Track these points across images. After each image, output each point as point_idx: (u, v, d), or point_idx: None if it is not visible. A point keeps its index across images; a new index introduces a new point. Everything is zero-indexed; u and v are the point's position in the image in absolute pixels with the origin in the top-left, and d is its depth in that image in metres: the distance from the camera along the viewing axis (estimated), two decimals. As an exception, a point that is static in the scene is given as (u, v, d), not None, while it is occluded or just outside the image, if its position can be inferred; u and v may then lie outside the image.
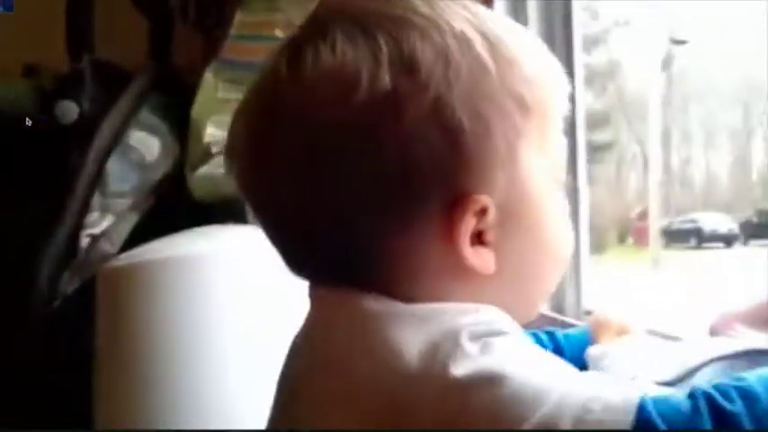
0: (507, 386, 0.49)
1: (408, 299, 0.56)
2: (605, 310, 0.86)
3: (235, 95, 1.55)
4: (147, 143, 1.60)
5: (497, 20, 0.59)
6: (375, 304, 0.55)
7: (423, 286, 0.56)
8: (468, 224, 0.55)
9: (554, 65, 0.61)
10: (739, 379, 0.49)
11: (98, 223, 1.54)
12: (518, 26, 0.62)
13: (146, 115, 1.62)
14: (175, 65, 1.78)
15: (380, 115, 0.53)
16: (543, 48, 0.61)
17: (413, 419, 0.50)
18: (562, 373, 0.51)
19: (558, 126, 0.60)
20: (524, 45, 0.59)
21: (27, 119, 1.62)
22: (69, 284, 1.52)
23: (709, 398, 0.47)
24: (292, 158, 0.56)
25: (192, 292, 1.18)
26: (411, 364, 0.51)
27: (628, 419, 0.47)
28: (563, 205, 0.62)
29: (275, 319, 1.20)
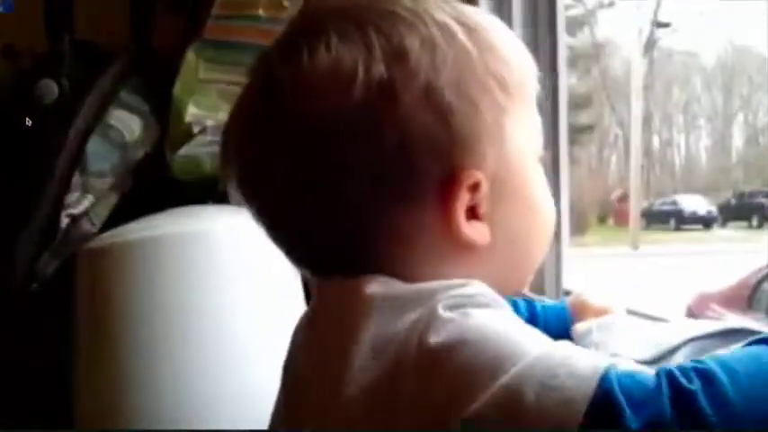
0: (477, 350, 0.51)
1: (407, 275, 0.59)
2: (585, 289, 0.88)
3: (216, 75, 1.55)
4: (128, 123, 1.59)
5: (472, 11, 0.64)
6: (372, 288, 0.58)
7: (421, 261, 0.60)
8: (463, 199, 0.59)
9: (525, 50, 0.66)
10: (701, 362, 0.51)
11: (78, 203, 1.53)
12: (489, 16, 0.67)
13: (126, 95, 1.61)
14: (157, 45, 1.77)
15: (377, 103, 0.58)
16: (513, 34, 0.66)
17: (402, 390, 0.53)
18: (535, 341, 0.53)
19: (534, 104, 0.65)
20: (498, 32, 0.64)
21: (27, 119, 1.60)
22: (49, 265, 1.52)
23: (670, 375, 0.49)
24: (294, 152, 0.60)
25: (172, 271, 1.18)
26: (399, 339, 0.54)
27: (590, 387, 0.48)
28: (543, 178, 0.66)
29: (257, 298, 1.21)
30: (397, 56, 0.59)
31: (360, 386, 0.55)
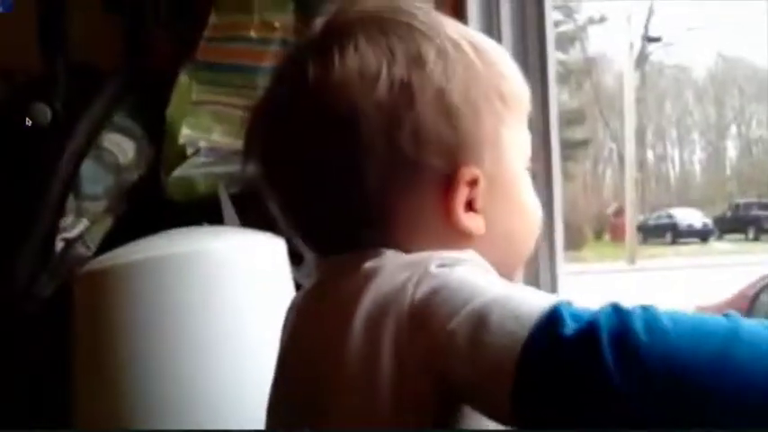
0: (457, 289, 0.60)
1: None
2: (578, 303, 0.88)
3: (209, 97, 1.55)
4: (122, 145, 1.59)
5: (475, 32, 0.74)
6: (374, 262, 0.65)
7: (421, 247, 0.66)
8: (463, 192, 0.68)
9: (518, 72, 0.74)
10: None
11: (73, 227, 1.53)
12: (489, 39, 0.76)
13: (120, 118, 1.61)
14: (149, 67, 1.77)
15: (397, 101, 0.66)
16: (509, 56, 0.75)
17: (401, 344, 0.60)
18: (507, 285, 0.62)
19: (525, 120, 0.74)
20: (499, 52, 0.74)
21: (27, 118, 1.60)
22: (45, 289, 1.51)
23: (614, 303, 0.56)
24: (318, 140, 0.68)
25: (168, 293, 1.17)
26: (394, 293, 0.62)
27: (541, 308, 0.56)
28: (531, 184, 0.75)
29: (255, 317, 1.20)
30: (416, 61, 0.67)
31: (361, 342, 0.62)
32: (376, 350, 0.61)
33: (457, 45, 0.69)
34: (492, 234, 0.69)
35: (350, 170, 0.67)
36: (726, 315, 0.58)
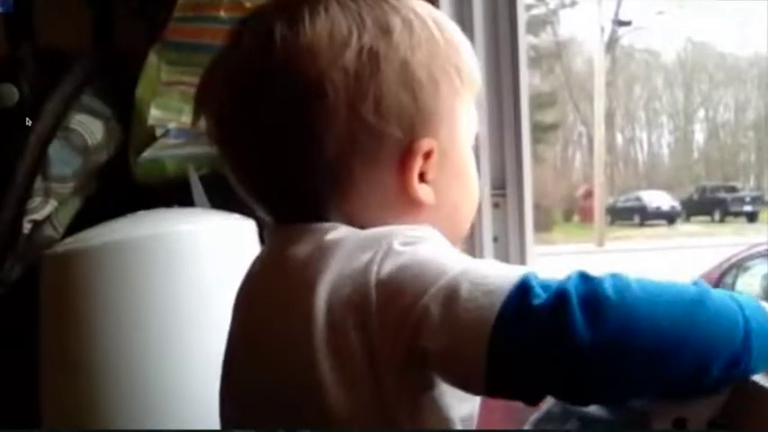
0: (424, 266, 0.61)
1: (362, 227, 0.67)
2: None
3: (178, 77, 1.54)
4: (90, 127, 1.57)
5: (432, 8, 0.74)
6: (332, 234, 0.66)
7: (375, 216, 0.68)
8: (418, 163, 0.69)
9: (472, 50, 0.75)
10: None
11: (40, 209, 1.51)
12: (444, 16, 0.76)
13: (88, 99, 1.60)
14: (118, 47, 1.75)
15: (364, 70, 0.66)
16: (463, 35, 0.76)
17: (369, 319, 0.60)
18: (471, 259, 0.63)
19: (475, 97, 0.76)
20: (455, 29, 0.74)
21: (27, 119, 1.58)
22: (12, 272, 1.50)
23: (582, 271, 0.58)
24: (282, 105, 0.67)
25: (137, 275, 1.17)
26: (358, 271, 0.62)
27: (511, 281, 0.57)
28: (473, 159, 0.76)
29: (222, 300, 1.20)
30: (384, 31, 0.68)
31: (325, 319, 0.62)
32: (341, 326, 0.61)
33: (422, 20, 0.70)
34: (440, 205, 0.71)
35: (310, 135, 0.67)
36: (694, 283, 0.60)
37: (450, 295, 0.58)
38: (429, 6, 0.73)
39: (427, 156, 0.69)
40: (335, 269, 0.63)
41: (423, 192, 0.69)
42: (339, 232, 0.66)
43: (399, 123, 0.67)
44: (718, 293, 0.59)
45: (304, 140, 0.67)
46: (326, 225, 0.67)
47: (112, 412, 1.15)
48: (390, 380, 0.61)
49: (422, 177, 0.70)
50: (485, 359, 0.56)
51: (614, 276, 0.57)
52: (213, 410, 1.04)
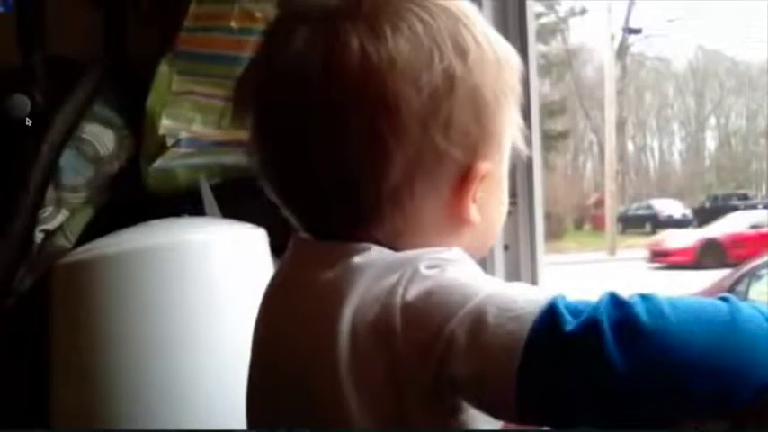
0: (450, 290, 0.60)
1: (400, 244, 0.66)
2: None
3: (189, 87, 1.54)
4: (102, 136, 1.58)
5: (490, 28, 0.72)
6: (360, 257, 0.65)
7: (421, 233, 0.68)
8: (476, 186, 0.68)
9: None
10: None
11: (52, 218, 1.52)
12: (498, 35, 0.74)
13: (100, 108, 1.60)
14: (130, 57, 1.76)
15: (440, 90, 0.65)
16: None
17: (393, 343, 0.60)
18: (498, 282, 0.63)
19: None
20: (509, 49, 0.72)
21: (27, 119, 1.59)
22: (24, 281, 1.50)
23: (613, 293, 0.57)
24: (347, 119, 0.65)
25: (148, 284, 1.17)
26: (384, 294, 0.61)
27: (539, 306, 0.56)
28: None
29: (235, 309, 1.20)
30: (461, 51, 0.66)
31: (350, 343, 0.61)
32: (365, 350, 0.61)
33: (488, 39, 0.69)
34: (481, 223, 0.70)
35: (381, 150, 0.65)
36: (724, 299, 0.58)
37: (478, 321, 0.57)
38: (486, 24, 0.72)
39: (483, 178, 0.68)
40: (360, 292, 0.62)
41: (473, 212, 0.69)
42: (366, 255, 0.65)
43: (463, 146, 0.67)
44: (749, 312, 0.57)
45: (373, 155, 0.65)
46: (356, 246, 0.66)
47: (123, 421, 1.15)
48: (416, 403, 0.60)
49: (474, 197, 0.69)
50: (515, 385, 0.55)
51: (646, 299, 0.56)
52: (224, 418, 1.04)
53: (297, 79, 0.67)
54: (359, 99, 0.64)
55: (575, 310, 0.56)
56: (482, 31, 0.69)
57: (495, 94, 0.68)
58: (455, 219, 0.68)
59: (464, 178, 0.67)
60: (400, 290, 0.61)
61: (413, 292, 0.60)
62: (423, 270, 0.62)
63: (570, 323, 0.55)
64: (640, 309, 0.55)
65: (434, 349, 0.58)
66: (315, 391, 0.64)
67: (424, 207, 0.67)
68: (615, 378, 0.53)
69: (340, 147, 0.66)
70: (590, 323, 0.54)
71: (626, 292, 0.59)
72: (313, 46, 0.66)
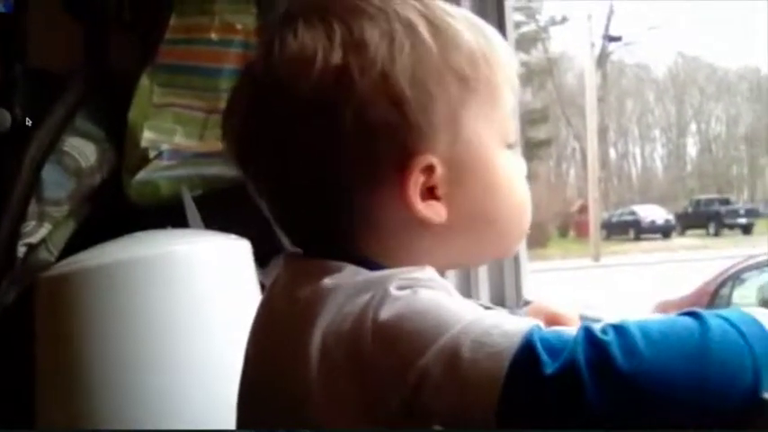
0: (423, 318, 0.58)
1: (375, 254, 0.66)
2: (543, 299, 0.89)
3: (171, 99, 1.55)
4: (83, 149, 1.58)
5: (450, 10, 0.69)
6: (332, 279, 0.64)
7: (386, 240, 0.66)
8: (417, 180, 0.65)
9: (501, 49, 0.71)
10: (621, 320, 0.57)
11: (35, 232, 1.51)
12: (472, 17, 0.71)
13: (81, 121, 1.60)
14: (111, 70, 1.76)
15: (335, 87, 0.64)
16: (493, 34, 0.71)
17: (363, 364, 0.59)
18: (472, 310, 0.60)
19: (505, 98, 0.70)
20: (471, 31, 0.69)
21: (27, 119, 1.59)
22: (7, 295, 1.50)
23: (587, 329, 0.56)
24: (271, 135, 0.67)
25: (131, 296, 1.17)
26: (353, 316, 0.60)
27: (515, 342, 0.55)
28: (517, 164, 0.71)
29: (217, 320, 1.20)
30: (356, 46, 0.64)
31: (319, 364, 0.61)
32: (334, 371, 0.60)
33: (409, 26, 0.66)
34: (463, 220, 0.67)
35: (297, 171, 0.66)
36: (693, 314, 0.58)
37: (452, 355, 0.56)
38: (433, 6, 0.68)
39: (428, 171, 0.65)
40: (330, 315, 0.61)
41: (429, 209, 0.66)
42: (338, 276, 0.64)
43: (389, 141, 0.64)
44: (720, 329, 0.57)
45: (295, 166, 0.66)
46: (330, 265, 0.65)
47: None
48: (387, 422, 0.59)
49: (432, 193, 0.66)
50: (493, 422, 0.55)
51: (620, 335, 0.55)
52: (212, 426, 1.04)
53: (236, 109, 0.70)
54: (270, 115, 0.67)
55: (551, 350, 0.55)
56: (406, 19, 0.66)
57: (415, 82, 0.64)
58: (413, 221, 0.66)
59: (401, 175, 0.65)
60: (370, 313, 0.59)
61: (383, 316, 0.58)
62: (393, 291, 0.60)
63: (549, 365, 0.54)
64: (615, 349, 0.54)
65: (406, 380, 0.57)
66: (289, 409, 0.64)
67: (373, 212, 0.66)
68: (594, 418, 0.54)
69: (297, 158, 0.66)
70: (568, 365, 0.54)
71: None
72: (241, 79, 0.71)
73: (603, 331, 0.55)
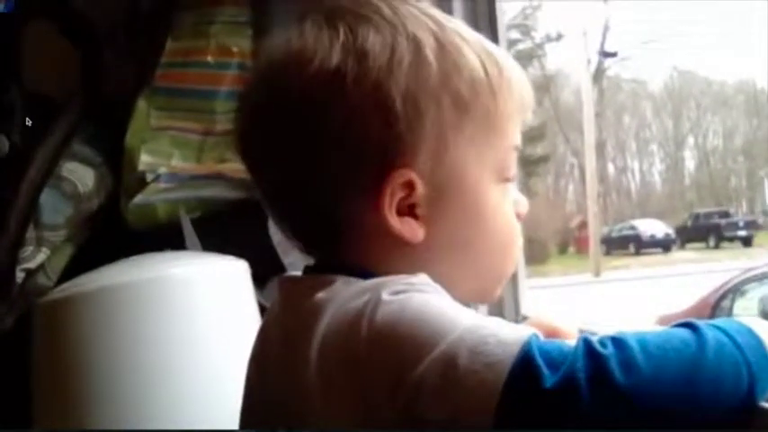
0: (418, 324, 0.58)
1: (365, 263, 0.66)
2: (540, 313, 0.89)
3: (168, 122, 1.55)
4: (81, 174, 1.58)
5: (467, 36, 0.69)
6: (325, 293, 0.64)
7: (371, 251, 0.66)
8: (395, 194, 0.65)
9: (514, 84, 0.70)
10: (619, 333, 0.57)
11: (33, 257, 1.51)
12: (491, 46, 0.71)
13: (78, 146, 1.60)
14: (107, 94, 1.76)
15: (327, 89, 0.64)
16: (511, 68, 0.70)
17: (358, 371, 0.58)
18: (468, 317, 0.59)
19: (507, 132, 0.69)
20: (482, 59, 0.68)
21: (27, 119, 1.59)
22: (5, 321, 1.49)
23: (586, 342, 0.55)
24: (266, 132, 0.68)
25: (130, 320, 1.16)
26: (347, 322, 0.60)
27: (513, 352, 0.55)
28: (507, 198, 0.70)
29: (216, 342, 1.20)
30: (356, 52, 0.64)
31: (318, 378, 0.61)
32: (334, 383, 0.60)
33: (414, 42, 0.66)
34: (442, 245, 0.67)
35: (287, 171, 0.67)
36: (690, 326, 0.58)
37: (449, 365, 0.55)
38: (449, 27, 0.68)
39: (407, 187, 0.65)
40: (325, 326, 0.61)
41: (405, 226, 0.65)
42: (330, 290, 0.64)
43: (370, 150, 0.64)
44: (713, 337, 0.57)
45: (295, 165, 0.67)
46: (323, 279, 0.65)
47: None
48: (385, 425, 0.59)
49: (412, 211, 0.66)
50: (491, 427, 0.55)
51: (618, 347, 0.55)
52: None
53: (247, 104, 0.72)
54: (269, 115, 0.68)
55: (550, 361, 0.54)
56: (413, 34, 0.66)
57: (408, 96, 0.64)
58: (388, 236, 0.65)
59: (379, 184, 0.64)
60: (364, 319, 0.59)
61: (377, 321, 0.58)
62: (386, 296, 0.59)
63: (548, 378, 0.54)
64: (614, 363, 0.54)
65: (402, 389, 0.56)
66: (289, 419, 0.64)
67: (356, 217, 0.66)
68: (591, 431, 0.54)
69: (289, 157, 0.67)
70: (567, 379, 0.53)
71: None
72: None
73: (602, 344, 0.55)
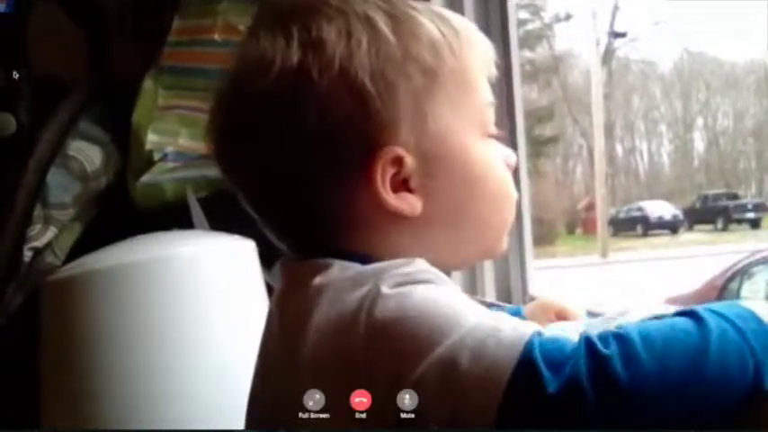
0: (418, 322, 0.57)
1: (359, 249, 0.65)
2: (547, 294, 0.89)
3: (175, 101, 1.55)
4: (88, 153, 1.58)
5: (414, 4, 0.69)
6: (321, 278, 0.63)
7: (367, 235, 0.66)
8: (385, 172, 0.65)
9: (472, 39, 0.70)
10: (620, 327, 0.56)
11: (40, 236, 1.52)
12: (439, 9, 0.71)
13: (86, 125, 1.61)
14: (114, 74, 1.76)
15: (295, 87, 0.64)
16: (463, 24, 0.70)
17: (355, 367, 0.58)
18: (469, 313, 0.58)
19: (478, 87, 0.69)
20: (435, 22, 0.68)
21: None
22: (14, 299, 1.50)
23: (588, 341, 0.54)
24: (241, 139, 0.68)
25: (137, 299, 1.17)
26: (346, 315, 0.59)
27: (514, 354, 0.54)
28: (495, 152, 0.70)
29: (224, 322, 1.20)
30: (314, 45, 0.65)
31: (312, 361, 0.60)
32: (327, 374, 0.60)
33: (367, 21, 0.66)
34: (441, 213, 0.67)
35: (271, 171, 0.67)
36: (692, 314, 0.58)
37: (449, 367, 0.55)
38: (395, 3, 0.68)
39: (396, 162, 0.65)
40: (321, 314, 0.61)
41: (402, 201, 0.66)
42: (327, 275, 0.63)
43: (352, 133, 0.64)
44: (716, 325, 0.56)
45: (275, 167, 0.67)
46: (318, 264, 0.64)
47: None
48: (379, 425, 0.59)
49: (405, 186, 0.66)
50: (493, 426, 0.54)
51: (621, 344, 0.54)
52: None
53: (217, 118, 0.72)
54: (236, 117, 0.69)
55: (552, 363, 0.54)
56: (364, 15, 0.66)
57: (375, 75, 0.64)
58: (384, 212, 0.65)
59: (367, 165, 0.64)
60: (363, 314, 0.58)
61: (376, 317, 0.58)
62: (385, 290, 0.59)
63: (551, 383, 0.53)
64: (617, 363, 0.53)
65: (401, 389, 0.56)
66: (287, 410, 0.63)
67: (346, 204, 0.65)
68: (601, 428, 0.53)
69: (267, 161, 0.67)
70: (570, 382, 0.53)
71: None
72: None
73: (605, 342, 0.54)
